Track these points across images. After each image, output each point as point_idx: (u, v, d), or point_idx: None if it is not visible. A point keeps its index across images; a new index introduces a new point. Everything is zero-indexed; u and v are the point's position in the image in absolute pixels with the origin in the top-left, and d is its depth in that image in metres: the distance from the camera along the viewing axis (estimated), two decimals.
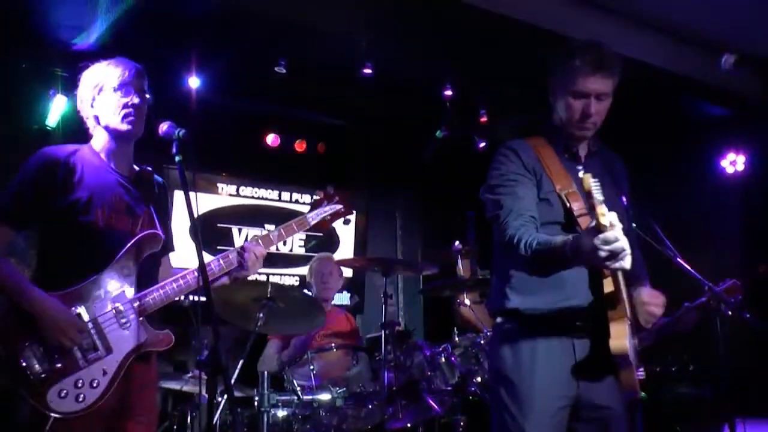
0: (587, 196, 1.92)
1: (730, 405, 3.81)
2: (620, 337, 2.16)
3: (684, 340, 4.14)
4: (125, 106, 2.36)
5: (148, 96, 2.44)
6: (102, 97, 2.38)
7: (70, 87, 4.93)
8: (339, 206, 2.82)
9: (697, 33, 5.05)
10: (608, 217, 1.87)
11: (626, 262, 1.91)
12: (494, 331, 2.48)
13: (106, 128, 2.41)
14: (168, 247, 2.60)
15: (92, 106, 2.41)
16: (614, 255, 1.88)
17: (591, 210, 1.92)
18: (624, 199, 2.56)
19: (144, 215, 2.45)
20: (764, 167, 5.79)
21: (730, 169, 5.97)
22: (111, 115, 2.37)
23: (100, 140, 2.45)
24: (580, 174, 1.96)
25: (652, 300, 2.39)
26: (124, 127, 2.37)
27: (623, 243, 1.88)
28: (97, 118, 2.42)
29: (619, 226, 1.89)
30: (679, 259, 3.53)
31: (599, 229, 1.87)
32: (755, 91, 5.37)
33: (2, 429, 2.22)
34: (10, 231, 2.29)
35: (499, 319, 2.43)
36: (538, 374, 2.26)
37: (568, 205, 2.27)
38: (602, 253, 1.88)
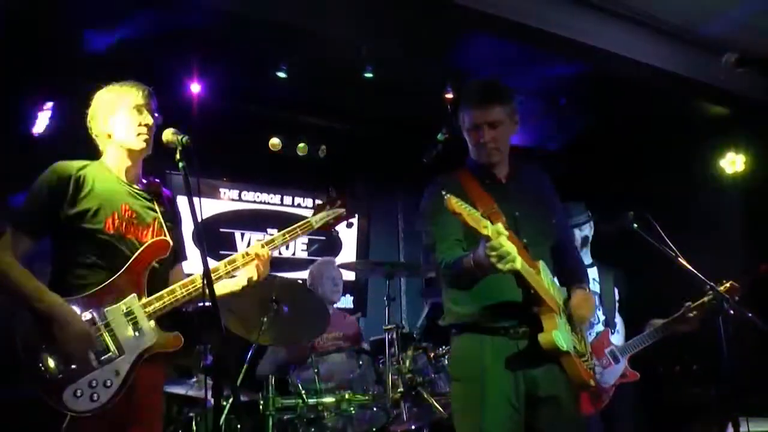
0: (458, 216, 2.20)
1: (734, 404, 3.82)
2: (548, 330, 2.45)
3: (688, 341, 4.15)
4: (140, 125, 2.54)
5: (157, 115, 2.60)
6: (117, 117, 2.55)
7: (71, 94, 4.98)
8: (341, 210, 2.93)
9: (697, 33, 5.06)
10: (492, 228, 2.19)
11: (516, 263, 2.23)
12: (450, 339, 2.76)
13: (121, 145, 2.57)
14: (180, 256, 2.73)
15: (106, 124, 2.56)
16: (501, 258, 2.20)
17: (470, 225, 2.19)
18: (555, 207, 2.85)
19: (153, 224, 2.58)
20: (764, 167, 5.79)
21: (730, 169, 5.97)
22: (126, 134, 2.55)
23: (111, 156, 2.60)
24: (445, 196, 2.22)
25: (580, 303, 2.66)
26: (139, 145, 2.55)
27: (508, 248, 2.20)
28: (110, 136, 2.58)
29: (505, 234, 2.21)
30: (680, 259, 3.54)
31: (486, 239, 2.20)
32: (755, 91, 5.37)
33: (23, 428, 2.41)
34: (28, 240, 2.42)
35: (450, 332, 2.74)
36: (487, 374, 2.52)
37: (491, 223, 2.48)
38: (492, 259, 2.20)
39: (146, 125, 2.55)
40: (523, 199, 2.69)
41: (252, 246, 2.66)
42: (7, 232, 2.39)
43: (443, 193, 2.25)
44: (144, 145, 2.56)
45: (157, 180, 2.71)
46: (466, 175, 2.70)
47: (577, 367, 2.51)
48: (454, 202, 2.21)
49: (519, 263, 2.25)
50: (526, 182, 2.79)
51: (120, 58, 4.64)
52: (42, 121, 4.91)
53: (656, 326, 3.91)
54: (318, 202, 2.96)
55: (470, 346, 2.61)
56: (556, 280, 2.72)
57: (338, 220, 2.94)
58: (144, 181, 2.67)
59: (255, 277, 2.63)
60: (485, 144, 2.63)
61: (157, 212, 2.61)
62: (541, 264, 2.58)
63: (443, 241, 2.58)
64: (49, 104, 4.91)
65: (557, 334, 2.45)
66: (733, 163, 5.95)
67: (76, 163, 2.51)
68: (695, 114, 6.04)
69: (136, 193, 2.59)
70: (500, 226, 2.22)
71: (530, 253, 2.55)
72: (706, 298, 3.73)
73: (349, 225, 3.04)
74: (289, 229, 2.77)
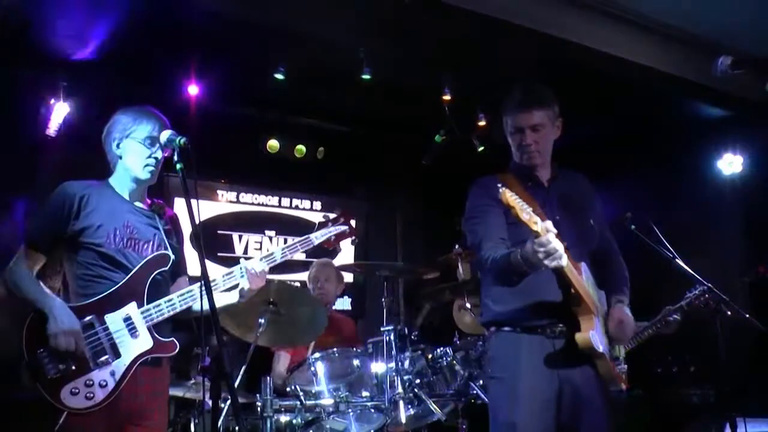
0: (511, 210, 2.24)
1: (731, 404, 3.83)
2: (586, 331, 2.50)
3: (685, 341, 4.16)
4: (149, 157, 2.65)
5: (167, 151, 2.65)
6: (129, 143, 2.66)
7: (71, 96, 4.99)
8: (344, 227, 3.00)
9: (694, 34, 5.07)
10: (541, 225, 2.24)
11: (563, 261, 2.29)
12: (487, 340, 2.81)
13: (127, 170, 2.69)
14: (180, 270, 2.82)
15: (118, 147, 2.68)
16: (549, 254, 2.24)
17: (521, 220, 2.23)
18: (595, 213, 2.87)
19: (154, 239, 2.69)
20: (761, 168, 5.80)
21: (727, 171, 5.98)
22: (135, 163, 2.66)
23: (119, 176, 2.72)
24: (500, 190, 2.27)
25: (619, 325, 2.71)
26: (145, 176, 2.67)
27: (556, 245, 2.24)
28: (120, 157, 2.69)
29: (553, 231, 2.25)
30: (677, 260, 3.55)
31: (535, 235, 2.24)
32: (752, 92, 5.38)
33: (22, 421, 2.53)
34: (40, 255, 2.59)
35: (488, 329, 2.77)
36: (522, 372, 2.57)
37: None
38: (540, 255, 2.25)
39: (155, 158, 2.65)
40: (565, 204, 2.75)
41: (250, 261, 2.74)
42: (21, 247, 2.58)
43: (498, 185, 2.29)
44: (149, 176, 2.67)
45: (161, 201, 2.83)
46: (509, 177, 2.71)
47: (611, 369, 2.60)
48: (509, 196, 2.25)
49: (566, 261, 2.30)
50: (568, 186, 2.83)
51: (119, 60, 4.66)
52: (54, 122, 4.91)
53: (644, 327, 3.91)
54: (321, 220, 3.03)
55: (507, 344, 2.66)
56: (593, 282, 2.77)
57: (340, 237, 2.99)
58: (148, 201, 2.79)
59: (247, 288, 2.71)
60: (527, 147, 2.69)
61: (159, 229, 2.72)
62: (583, 265, 2.66)
63: (489, 240, 2.63)
64: (62, 105, 4.91)
65: (594, 335, 2.50)
66: (730, 164, 5.97)
67: (83, 183, 2.64)
68: (692, 115, 6.06)
69: (139, 210, 2.71)
70: (549, 223, 2.26)
71: (571, 256, 2.54)
72: (682, 303, 3.78)
73: (354, 242, 3.12)
74: (289, 245, 2.89)
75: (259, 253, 2.87)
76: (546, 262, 2.26)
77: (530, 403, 2.54)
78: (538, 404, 2.54)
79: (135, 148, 2.65)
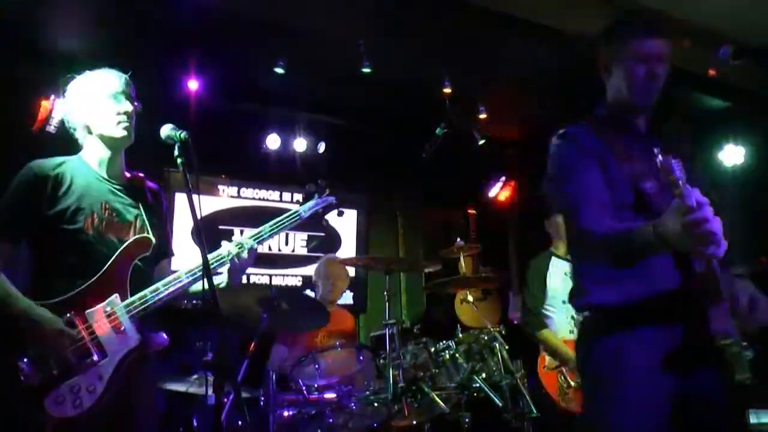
0: (666, 175, 1.75)
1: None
2: (720, 320, 2.01)
3: None
4: (119, 113, 2.42)
5: (136, 104, 2.48)
6: (94, 107, 2.42)
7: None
8: (331, 198, 2.84)
9: (695, 24, 5.05)
10: (692, 196, 1.71)
11: (720, 249, 1.72)
12: (582, 327, 2.30)
13: (100, 136, 2.45)
14: (165, 251, 2.60)
15: (83, 115, 2.44)
16: (705, 238, 1.69)
17: (674, 188, 1.73)
18: (697, 176, 2.21)
19: (135, 221, 2.47)
20: (763, 159, 5.79)
21: (728, 162, 5.97)
22: (105, 123, 2.42)
23: (91, 149, 2.48)
24: (659, 156, 1.77)
25: (751, 307, 2.15)
26: (120, 133, 2.42)
27: (713, 225, 1.70)
28: (87, 128, 2.45)
29: (706, 205, 1.71)
30: None
31: (685, 210, 1.70)
32: (753, 83, 5.37)
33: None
34: (8, 245, 2.31)
35: (584, 315, 2.28)
36: (632, 369, 2.09)
37: (636, 187, 2.13)
38: (693, 237, 1.70)
39: (125, 113, 2.42)
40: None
41: (239, 240, 2.57)
42: None
43: (655, 151, 1.80)
44: (125, 133, 2.43)
45: (141, 174, 2.60)
46: (600, 125, 2.28)
47: (741, 362, 2.06)
48: (671, 161, 1.76)
49: (724, 248, 1.74)
50: (668, 141, 2.28)
51: (118, 54, 4.64)
52: (56, 119, 4.88)
53: None
54: (306, 192, 2.85)
55: (614, 335, 2.13)
56: None
57: (328, 209, 2.84)
58: (128, 175, 2.55)
59: (232, 275, 2.50)
60: (657, 80, 2.27)
61: (139, 209, 2.49)
62: None
63: (589, 205, 2.10)
64: (47, 102, 4.90)
65: (728, 325, 2.03)
66: (732, 155, 5.96)
67: (53, 161, 2.39)
68: (693, 106, 6.04)
69: (117, 189, 2.47)
70: (698, 192, 1.73)
71: None
72: None
73: (340, 214, 2.91)
74: (278, 221, 2.66)
75: (260, 248, 2.65)
76: (699, 248, 1.72)
77: (643, 409, 2.06)
78: (653, 410, 2.06)
79: (101, 108, 2.41)
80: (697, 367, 2.09)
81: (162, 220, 2.60)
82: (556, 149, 2.29)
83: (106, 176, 2.46)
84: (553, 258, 4.34)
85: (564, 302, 4.15)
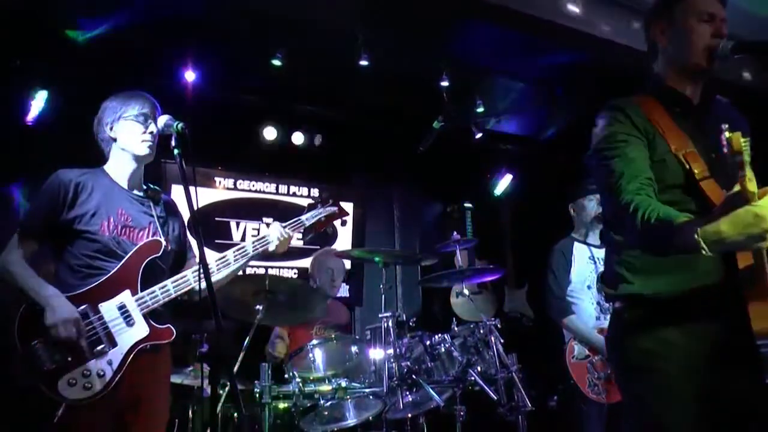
0: (735, 157, 1.62)
1: None
2: (763, 318, 1.90)
3: None
4: (144, 132, 2.68)
5: (158, 126, 2.65)
6: (122, 124, 2.70)
7: (67, 83, 4.96)
8: (333, 208, 3.05)
9: None
10: (754, 184, 1.59)
11: None
12: (615, 318, 2.19)
13: (124, 150, 2.71)
14: (185, 255, 2.88)
15: (111, 129, 2.71)
16: (761, 234, 1.59)
17: (740, 169, 1.60)
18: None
19: (149, 227, 2.71)
20: (763, 155, 5.79)
21: None
22: (131, 141, 2.70)
23: (115, 162, 2.74)
24: (726, 133, 1.63)
25: None
26: (144, 151, 2.70)
27: None
28: (114, 140, 2.72)
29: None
30: None
31: (746, 198, 1.58)
32: (752, 78, 5.37)
33: (18, 416, 2.49)
34: (34, 243, 2.59)
35: (618, 305, 2.16)
36: (670, 364, 1.99)
37: (687, 167, 2.03)
38: (754, 231, 1.58)
39: (150, 133, 2.68)
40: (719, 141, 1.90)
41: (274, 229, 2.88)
42: (15, 235, 2.57)
43: (723, 127, 1.67)
44: (148, 151, 2.70)
45: (158, 188, 2.84)
46: (649, 101, 2.17)
47: None
48: (742, 141, 1.62)
49: None
50: (720, 117, 2.06)
51: (115, 46, 4.63)
52: (34, 110, 4.89)
53: None
54: (310, 202, 3.05)
55: (651, 328, 2.04)
56: None
57: (330, 218, 3.02)
58: (144, 187, 2.80)
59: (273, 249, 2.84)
60: (723, 39, 2.09)
61: (153, 216, 2.73)
62: None
63: (633, 180, 1.96)
64: (43, 93, 4.89)
65: None
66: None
67: (77, 171, 2.65)
68: None
69: (134, 198, 2.72)
70: (753, 183, 1.62)
71: None
72: None
73: (343, 223, 3.12)
74: (282, 225, 2.90)
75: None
76: (758, 244, 1.61)
77: (682, 405, 1.97)
78: (693, 408, 1.96)
79: (129, 127, 2.69)
80: (736, 362, 2.00)
81: (176, 229, 2.85)
82: (604, 119, 2.17)
83: (125, 186, 2.72)
84: (576, 243, 4.25)
85: (589, 287, 4.07)
